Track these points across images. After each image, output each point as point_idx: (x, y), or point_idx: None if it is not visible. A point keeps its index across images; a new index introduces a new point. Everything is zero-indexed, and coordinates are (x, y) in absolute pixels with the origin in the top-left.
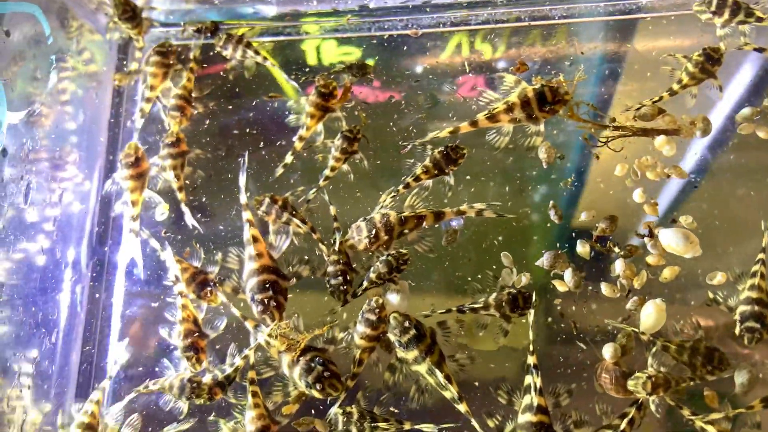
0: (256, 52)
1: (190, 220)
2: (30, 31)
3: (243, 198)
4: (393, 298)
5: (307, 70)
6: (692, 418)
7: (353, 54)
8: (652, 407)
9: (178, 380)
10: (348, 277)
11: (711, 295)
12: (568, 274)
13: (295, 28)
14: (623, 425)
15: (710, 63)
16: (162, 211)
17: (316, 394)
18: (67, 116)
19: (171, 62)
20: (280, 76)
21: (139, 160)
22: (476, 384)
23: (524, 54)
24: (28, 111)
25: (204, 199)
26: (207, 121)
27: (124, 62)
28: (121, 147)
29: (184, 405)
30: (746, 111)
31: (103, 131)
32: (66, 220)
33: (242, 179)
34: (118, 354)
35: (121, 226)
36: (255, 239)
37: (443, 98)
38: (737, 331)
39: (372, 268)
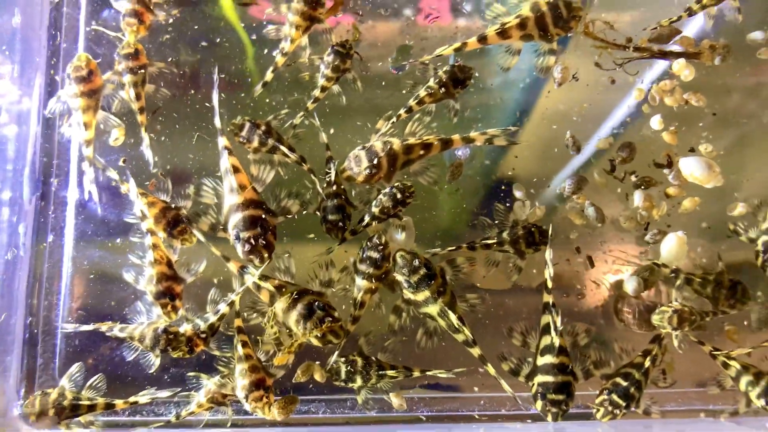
0: None
1: (148, 151)
2: None
3: (218, 121)
4: (398, 236)
5: None
6: (716, 353)
7: None
8: (676, 343)
9: (150, 330)
10: (346, 212)
11: (731, 227)
12: (590, 208)
13: None
14: (647, 363)
15: None
16: (116, 136)
17: (315, 341)
18: (2, 16)
19: None
20: None
21: (91, 73)
22: (487, 325)
23: None
24: None
25: (168, 122)
26: (169, 30)
27: None
28: (64, 59)
29: (155, 358)
30: (757, 35)
31: (42, 39)
32: (2, 146)
33: (215, 98)
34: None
35: (69, 153)
36: (235, 169)
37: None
38: (759, 263)
39: (374, 202)
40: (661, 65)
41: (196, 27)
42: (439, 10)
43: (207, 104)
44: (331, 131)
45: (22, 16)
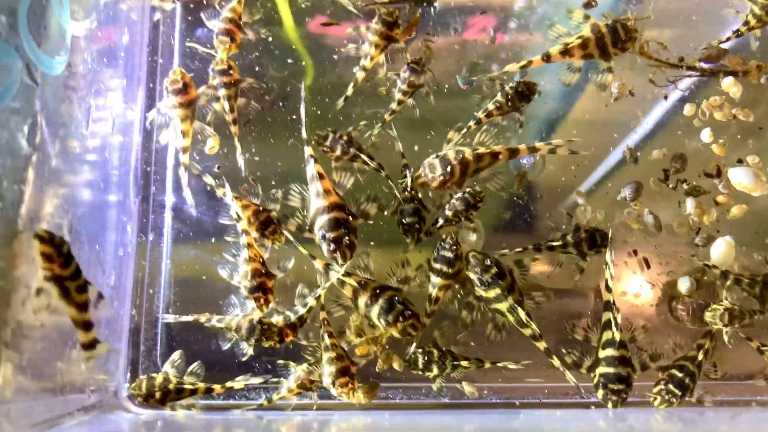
0: None
1: (240, 158)
2: None
3: (304, 132)
4: (469, 237)
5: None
6: (764, 349)
7: None
8: (726, 338)
9: (246, 321)
10: (421, 216)
11: None
12: (648, 216)
13: None
14: (700, 356)
15: None
16: (211, 145)
17: (395, 333)
18: (114, 35)
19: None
20: None
21: (187, 86)
22: (552, 321)
23: None
24: (90, 22)
25: (258, 133)
26: (258, 48)
27: None
28: (161, 74)
29: (249, 348)
30: None
31: (143, 55)
32: (110, 154)
33: (302, 111)
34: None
35: (165, 161)
36: (321, 176)
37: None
38: None
39: (448, 206)
40: (711, 83)
41: (282, 45)
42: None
43: (294, 117)
44: (415, 148)
45: (129, 36)
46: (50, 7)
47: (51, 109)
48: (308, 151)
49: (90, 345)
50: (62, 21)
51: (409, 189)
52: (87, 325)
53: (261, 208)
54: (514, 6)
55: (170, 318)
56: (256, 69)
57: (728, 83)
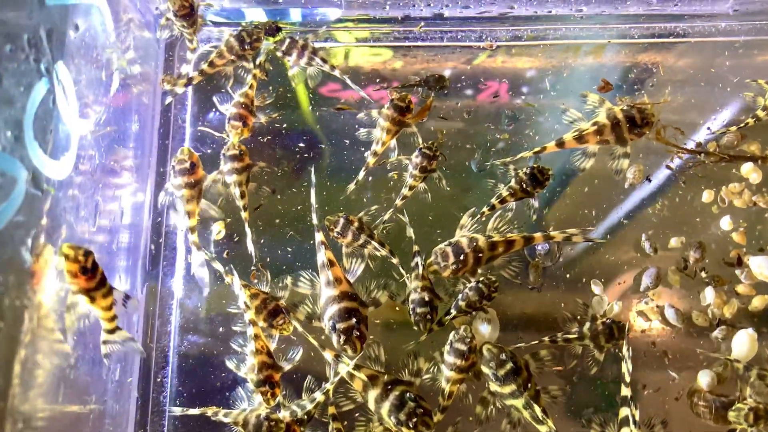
0: (324, 60)
1: (250, 245)
2: (91, 25)
3: (315, 218)
4: (483, 328)
5: (378, 80)
6: None
7: (383, 56)
8: None
9: (253, 416)
10: (433, 305)
11: None
12: (669, 309)
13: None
14: None
15: None
16: (218, 230)
17: (405, 431)
18: (124, 123)
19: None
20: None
21: (194, 165)
22: (568, 415)
23: (555, 66)
24: (99, 116)
25: (268, 218)
26: (270, 131)
27: (172, 62)
28: (171, 156)
29: None
30: None
31: (153, 139)
32: (117, 244)
33: (313, 196)
34: None
35: (175, 245)
36: (331, 263)
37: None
38: None
39: (461, 296)
40: (730, 168)
41: (293, 128)
42: (500, 92)
43: (300, 206)
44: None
45: (139, 122)
46: (56, 109)
47: (56, 214)
48: (319, 237)
49: (112, 330)
50: (69, 122)
51: (420, 277)
52: (111, 319)
53: (269, 297)
54: (526, 85)
55: (177, 410)
56: (267, 153)
57: (747, 169)
